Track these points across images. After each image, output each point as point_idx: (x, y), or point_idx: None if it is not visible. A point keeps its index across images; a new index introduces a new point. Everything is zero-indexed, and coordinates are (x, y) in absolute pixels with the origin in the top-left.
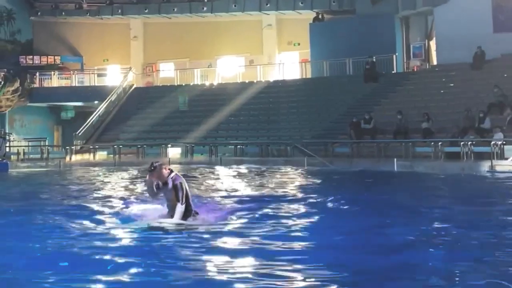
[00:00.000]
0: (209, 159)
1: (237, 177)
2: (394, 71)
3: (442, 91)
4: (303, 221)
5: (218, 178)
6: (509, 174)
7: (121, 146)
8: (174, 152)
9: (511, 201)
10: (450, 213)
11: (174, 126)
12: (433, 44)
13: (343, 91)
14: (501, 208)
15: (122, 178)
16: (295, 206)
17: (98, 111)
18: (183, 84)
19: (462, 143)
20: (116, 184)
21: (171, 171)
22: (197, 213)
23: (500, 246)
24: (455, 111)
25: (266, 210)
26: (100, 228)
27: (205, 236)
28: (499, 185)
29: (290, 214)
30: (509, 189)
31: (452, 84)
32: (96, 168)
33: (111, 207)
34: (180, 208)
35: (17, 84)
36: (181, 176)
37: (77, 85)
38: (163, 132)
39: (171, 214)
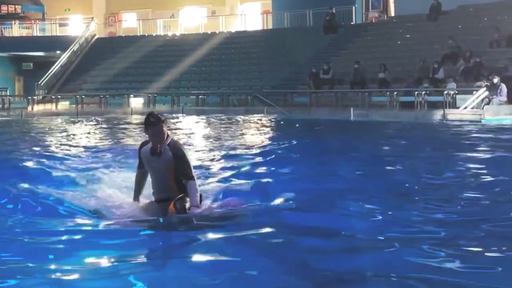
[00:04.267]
0: (171, 109)
1: (199, 126)
2: (353, 23)
3: (399, 42)
4: (264, 170)
5: (181, 128)
6: (460, 122)
7: (83, 96)
8: (136, 102)
9: (460, 147)
10: (400, 159)
11: (137, 77)
12: None
13: (303, 42)
14: (449, 153)
15: (86, 131)
16: (255, 155)
17: (60, 61)
18: (146, 35)
19: (416, 92)
20: (80, 138)
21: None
22: None
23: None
24: (411, 61)
25: (228, 161)
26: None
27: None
28: (449, 132)
29: (253, 163)
30: (459, 135)
31: (408, 36)
32: (59, 118)
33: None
34: (195, 186)
35: None
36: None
37: (38, 34)
38: (126, 82)
39: (164, 196)
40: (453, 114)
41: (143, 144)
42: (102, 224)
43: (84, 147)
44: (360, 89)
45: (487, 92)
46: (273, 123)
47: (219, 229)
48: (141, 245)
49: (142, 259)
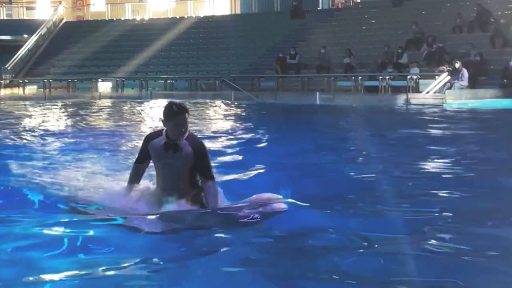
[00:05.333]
0: (139, 93)
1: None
2: (320, 8)
3: (364, 28)
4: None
5: (145, 112)
6: (422, 106)
7: (51, 81)
8: (104, 86)
9: (422, 130)
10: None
11: (105, 61)
12: None
13: (270, 27)
14: (411, 136)
15: (53, 116)
16: (226, 139)
17: (28, 45)
18: (114, 19)
19: (380, 77)
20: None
21: None
22: None
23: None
24: (375, 47)
25: None
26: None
27: None
28: (411, 116)
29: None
30: (421, 119)
31: (373, 21)
32: (26, 103)
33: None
34: (214, 187)
35: None
36: None
37: (5, 18)
38: (94, 66)
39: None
40: (416, 98)
41: (152, 136)
42: (96, 218)
43: (52, 131)
44: (326, 73)
45: (449, 77)
46: (241, 107)
47: (235, 231)
48: (147, 245)
49: (154, 260)
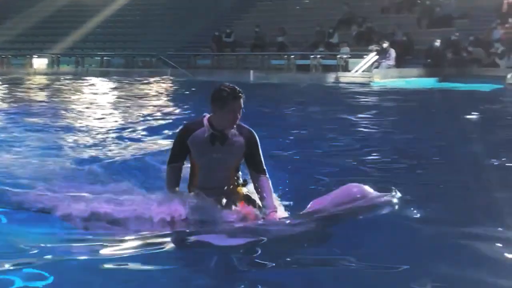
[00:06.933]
0: (75, 70)
1: (105, 88)
2: None
3: (297, 7)
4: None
5: (84, 91)
6: (351, 84)
7: None
8: (39, 63)
9: (348, 106)
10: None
11: (40, 37)
12: None
13: (207, 5)
14: (337, 111)
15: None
16: (158, 117)
17: None
18: None
19: (312, 56)
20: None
21: None
22: None
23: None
24: (308, 26)
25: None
26: None
27: None
28: (340, 93)
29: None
30: (348, 96)
31: (307, 1)
32: None
33: None
34: (269, 184)
35: None
36: None
37: None
38: (29, 42)
39: (214, 194)
40: (345, 77)
41: (192, 128)
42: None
43: None
44: (260, 52)
45: (377, 56)
46: (176, 84)
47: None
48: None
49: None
